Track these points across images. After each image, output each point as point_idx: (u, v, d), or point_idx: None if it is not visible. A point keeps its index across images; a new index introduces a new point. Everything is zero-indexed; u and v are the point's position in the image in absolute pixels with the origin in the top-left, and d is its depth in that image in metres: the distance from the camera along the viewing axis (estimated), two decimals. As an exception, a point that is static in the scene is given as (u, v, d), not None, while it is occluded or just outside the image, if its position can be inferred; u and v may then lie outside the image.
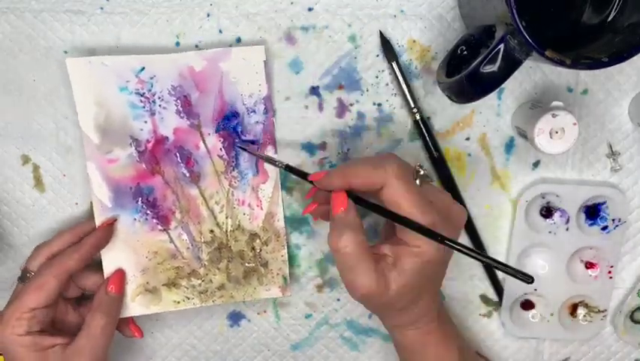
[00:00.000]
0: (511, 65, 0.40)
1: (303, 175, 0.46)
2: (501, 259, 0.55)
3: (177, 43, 0.49)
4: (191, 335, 0.55)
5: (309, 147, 0.52)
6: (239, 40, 0.49)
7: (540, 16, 0.40)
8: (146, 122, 0.49)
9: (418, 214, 0.41)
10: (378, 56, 0.50)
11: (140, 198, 0.50)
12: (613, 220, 0.53)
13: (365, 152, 0.52)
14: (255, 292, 0.53)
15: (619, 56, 0.39)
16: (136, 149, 0.49)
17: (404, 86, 0.50)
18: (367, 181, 0.42)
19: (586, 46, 0.42)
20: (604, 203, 0.52)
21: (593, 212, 0.53)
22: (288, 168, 0.47)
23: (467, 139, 0.52)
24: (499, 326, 0.56)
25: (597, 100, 0.51)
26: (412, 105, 0.50)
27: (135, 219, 0.50)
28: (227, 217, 0.51)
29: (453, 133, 0.52)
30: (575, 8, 0.44)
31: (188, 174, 0.50)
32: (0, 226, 0.52)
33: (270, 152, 0.50)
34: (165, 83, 0.49)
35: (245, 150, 0.50)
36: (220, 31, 0.49)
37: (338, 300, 0.55)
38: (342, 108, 0.51)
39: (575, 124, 0.46)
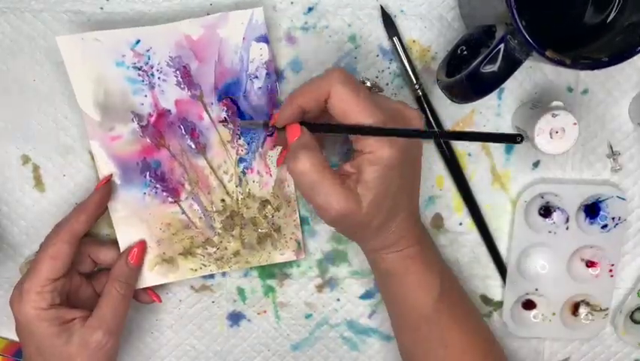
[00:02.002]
0: (511, 65, 0.40)
1: (266, 125, 0.45)
2: (502, 258, 0.55)
3: (177, 43, 0.49)
4: (191, 335, 0.55)
5: (309, 147, 0.52)
6: (239, 40, 0.49)
7: (540, 16, 0.40)
8: (146, 96, 0.48)
9: (365, 116, 0.40)
10: (378, 55, 0.50)
11: (148, 173, 0.50)
12: (613, 219, 0.53)
13: (365, 152, 0.52)
14: (270, 256, 0.53)
15: (619, 56, 0.39)
16: (138, 124, 0.49)
17: (405, 62, 0.49)
18: (314, 94, 0.41)
19: (586, 46, 0.42)
20: (603, 201, 0.52)
21: (592, 211, 0.53)
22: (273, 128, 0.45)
23: (467, 139, 0.52)
24: (499, 325, 0.56)
25: (597, 100, 0.51)
26: (415, 81, 0.50)
27: (145, 193, 0.50)
28: (236, 186, 0.51)
29: (453, 133, 0.52)
30: (575, 8, 0.44)
31: (194, 146, 0.50)
32: (0, 225, 0.52)
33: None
34: (163, 55, 0.48)
35: (224, 121, 0.49)
36: (220, 31, 0.49)
37: (338, 300, 0.55)
38: (342, 108, 0.51)
39: (575, 124, 0.46)
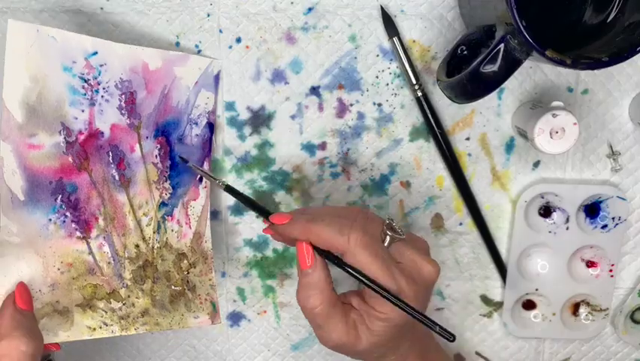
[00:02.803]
0: (511, 65, 0.40)
1: (261, 211, 0.43)
2: (502, 258, 0.55)
3: (177, 44, 0.49)
4: (191, 335, 0.55)
5: (309, 147, 0.52)
6: (239, 40, 0.49)
7: (540, 16, 0.40)
8: (83, 110, 0.44)
9: (382, 280, 0.39)
10: (378, 55, 0.50)
11: (61, 196, 0.44)
12: (613, 219, 0.53)
13: (365, 152, 0.52)
14: (183, 319, 0.48)
15: (619, 56, 0.39)
16: (65, 138, 0.43)
17: (405, 62, 0.49)
18: (328, 244, 0.40)
19: (586, 46, 0.42)
20: (603, 202, 0.52)
21: (592, 211, 0.53)
22: (228, 189, 0.45)
23: (467, 139, 0.52)
24: (500, 326, 0.56)
25: (597, 100, 0.51)
26: (414, 81, 0.50)
27: (51, 219, 0.43)
28: (154, 232, 0.48)
29: (453, 133, 0.52)
30: (575, 8, 0.44)
31: (118, 177, 0.46)
32: (0, 226, 0.52)
33: (205, 168, 0.49)
34: (114, 75, 0.45)
35: (186, 161, 0.48)
36: (220, 31, 0.49)
37: (338, 300, 0.55)
38: (342, 108, 0.51)
39: (575, 124, 0.46)
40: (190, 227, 0.49)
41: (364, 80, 0.50)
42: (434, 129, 0.51)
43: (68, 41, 0.43)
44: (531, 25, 0.37)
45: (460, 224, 0.54)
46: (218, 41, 0.49)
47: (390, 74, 0.50)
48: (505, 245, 0.54)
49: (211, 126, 0.49)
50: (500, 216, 0.54)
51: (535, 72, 0.51)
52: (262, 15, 0.49)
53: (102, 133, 0.45)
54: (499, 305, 0.56)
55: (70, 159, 0.44)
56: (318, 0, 0.49)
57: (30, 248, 0.43)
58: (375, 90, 0.51)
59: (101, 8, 0.48)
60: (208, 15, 0.49)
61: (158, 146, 0.47)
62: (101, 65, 0.44)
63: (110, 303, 0.46)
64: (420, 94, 0.50)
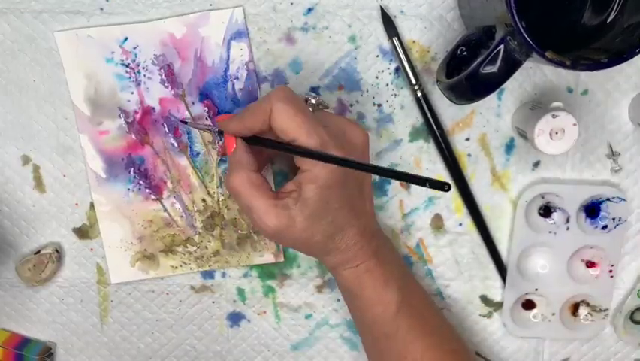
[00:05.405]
0: (511, 66, 0.40)
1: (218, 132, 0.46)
2: (502, 259, 0.55)
3: (177, 44, 0.49)
4: (191, 336, 0.56)
5: (309, 148, 0.52)
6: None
7: (540, 17, 0.40)
8: (132, 92, 0.49)
9: (304, 135, 0.40)
10: (378, 56, 0.50)
11: (132, 169, 0.51)
12: (613, 219, 0.53)
13: (365, 152, 0.52)
14: (249, 258, 0.53)
15: (619, 57, 0.39)
16: (125, 120, 0.50)
17: (405, 62, 0.49)
18: (259, 114, 0.41)
19: (586, 47, 0.42)
20: (603, 202, 0.52)
21: (593, 211, 0.53)
22: (220, 133, 0.47)
23: (467, 139, 0.52)
24: (499, 326, 0.56)
25: (597, 101, 0.51)
26: (414, 82, 0.50)
27: (129, 189, 0.51)
28: (217, 186, 0.52)
29: (453, 134, 0.52)
30: (575, 9, 0.44)
31: (176, 144, 0.51)
32: (0, 226, 0.52)
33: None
34: (148, 53, 0.49)
35: (184, 122, 0.50)
36: (220, 32, 0.49)
37: (338, 300, 0.55)
38: (342, 109, 0.51)
39: (574, 125, 0.46)
40: None
41: (364, 81, 0.50)
42: (434, 130, 0.51)
43: (102, 35, 0.48)
44: (531, 27, 0.37)
45: (460, 224, 0.54)
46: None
47: (390, 74, 0.50)
48: (505, 245, 0.54)
49: (253, 77, 0.49)
50: (500, 216, 0.54)
51: (535, 73, 0.51)
52: (262, 16, 0.49)
53: (153, 108, 0.50)
54: (498, 305, 0.56)
55: (133, 136, 0.50)
56: (317, 0, 0.49)
57: (118, 213, 0.51)
58: (375, 90, 0.51)
59: (101, 9, 0.48)
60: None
61: (206, 109, 0.50)
62: (135, 48, 0.49)
63: (187, 247, 0.53)
64: (420, 94, 0.50)
